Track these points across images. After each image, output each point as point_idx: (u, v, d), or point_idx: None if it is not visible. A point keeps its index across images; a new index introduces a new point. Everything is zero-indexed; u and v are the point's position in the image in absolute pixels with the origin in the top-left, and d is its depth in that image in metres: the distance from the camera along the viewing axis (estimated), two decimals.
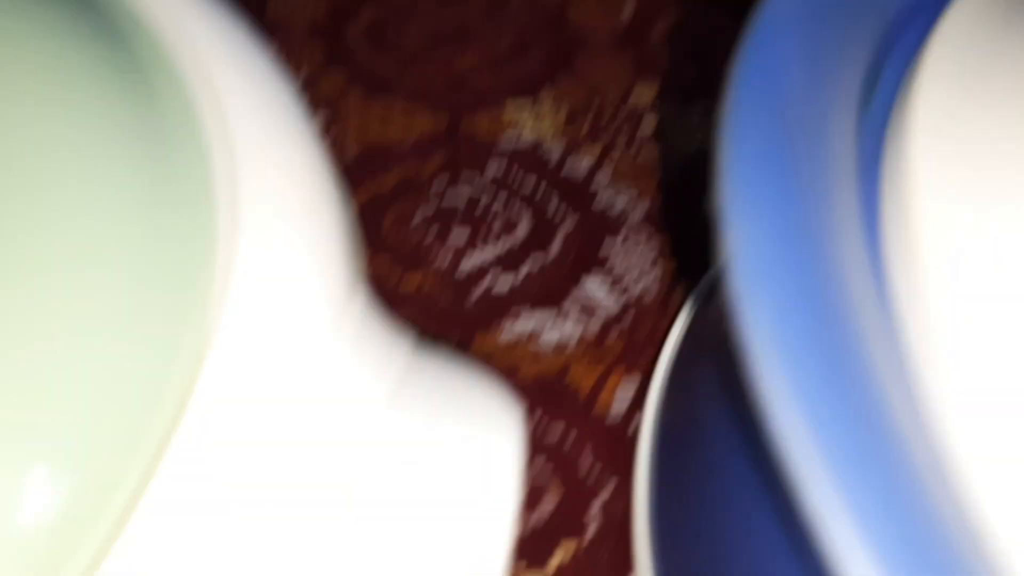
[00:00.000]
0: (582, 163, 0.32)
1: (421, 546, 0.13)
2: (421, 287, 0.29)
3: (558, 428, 0.26)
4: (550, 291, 0.29)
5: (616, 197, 0.31)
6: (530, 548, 0.24)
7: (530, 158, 0.32)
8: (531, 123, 0.33)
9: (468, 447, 0.14)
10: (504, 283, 0.29)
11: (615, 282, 0.30)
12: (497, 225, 0.30)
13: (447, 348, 0.26)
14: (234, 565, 0.12)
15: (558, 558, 0.24)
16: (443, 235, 0.30)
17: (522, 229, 0.30)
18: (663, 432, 0.26)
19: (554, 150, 0.32)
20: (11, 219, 0.12)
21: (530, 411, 0.27)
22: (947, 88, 0.14)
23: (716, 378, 0.21)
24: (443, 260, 0.29)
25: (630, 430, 0.26)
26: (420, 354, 0.16)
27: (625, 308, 0.29)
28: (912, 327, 0.13)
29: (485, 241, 0.30)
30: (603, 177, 0.32)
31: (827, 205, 0.13)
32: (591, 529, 0.25)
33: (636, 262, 0.30)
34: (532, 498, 0.25)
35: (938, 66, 0.15)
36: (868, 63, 0.15)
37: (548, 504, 0.25)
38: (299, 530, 0.13)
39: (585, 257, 0.30)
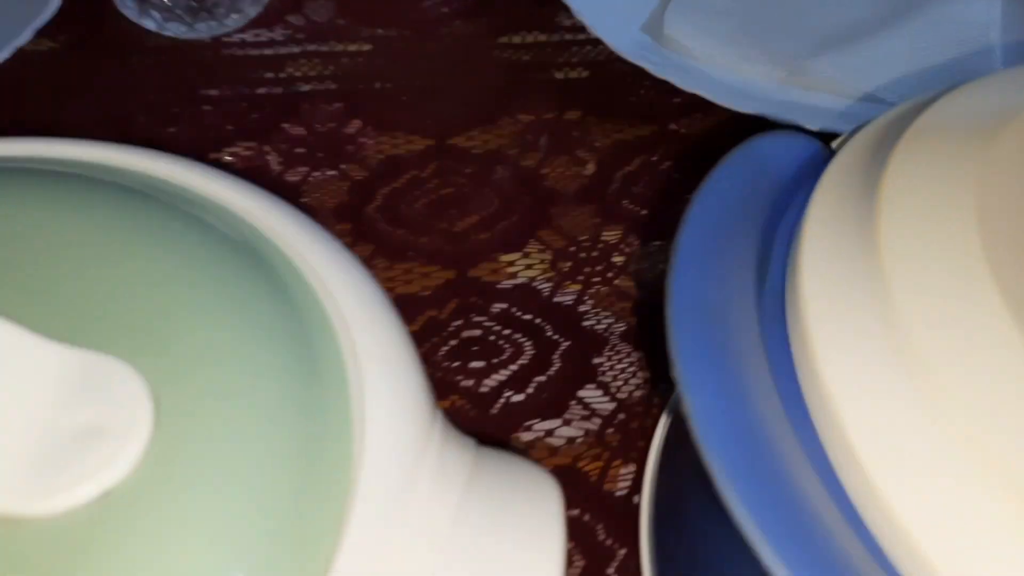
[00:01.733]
0: (568, 295, 0.39)
1: (496, 556, 0.19)
2: (453, 404, 0.36)
3: (576, 509, 0.33)
4: (556, 399, 0.36)
5: (600, 319, 0.39)
6: None
7: (526, 295, 0.39)
8: (523, 267, 0.41)
9: (530, 514, 0.20)
10: (518, 397, 0.36)
11: (606, 388, 0.37)
12: (507, 351, 0.38)
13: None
14: None
15: None
16: (464, 363, 0.37)
17: (526, 354, 0.38)
18: (658, 505, 0.33)
19: (544, 287, 0.40)
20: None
21: None
22: (819, 265, 0.22)
23: (694, 463, 0.28)
24: (468, 383, 0.36)
25: (633, 505, 0.33)
26: (482, 453, 0.23)
27: (617, 409, 0.36)
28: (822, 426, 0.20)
29: (499, 366, 0.37)
30: (587, 305, 0.39)
31: (743, 366, 0.20)
32: None
33: (622, 371, 0.37)
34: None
35: (812, 244, 0.22)
36: (759, 251, 0.23)
37: (575, 570, 0.31)
38: None
39: (580, 370, 0.37)
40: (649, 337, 0.38)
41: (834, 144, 0.27)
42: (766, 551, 0.18)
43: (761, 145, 0.26)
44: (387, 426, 0.20)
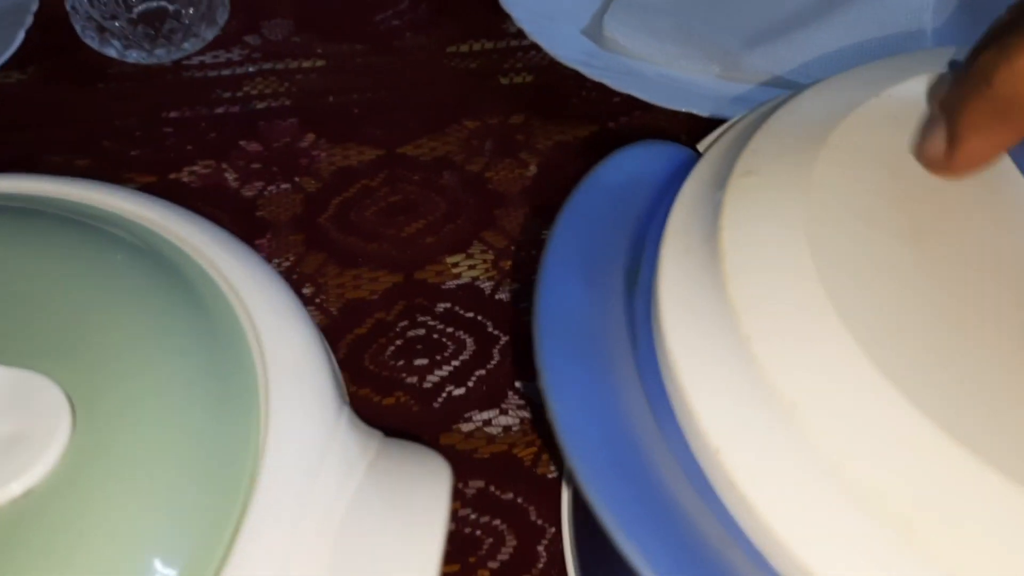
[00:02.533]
0: (509, 292, 0.42)
1: (384, 540, 0.21)
2: (398, 400, 0.38)
3: (510, 492, 0.35)
4: (494, 391, 0.38)
5: None
6: None
7: (469, 294, 0.42)
8: (467, 268, 0.43)
9: (420, 494, 0.23)
10: (459, 391, 0.38)
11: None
12: (449, 348, 0.40)
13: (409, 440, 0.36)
14: None
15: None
16: (409, 361, 0.39)
17: (468, 350, 0.40)
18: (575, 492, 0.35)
19: (486, 285, 0.42)
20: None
21: (490, 479, 0.35)
22: (675, 278, 0.24)
23: None
24: (412, 379, 0.39)
25: (561, 489, 0.35)
26: (387, 442, 0.25)
27: None
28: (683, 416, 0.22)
29: (443, 362, 0.39)
30: (526, 301, 0.41)
31: (610, 371, 0.22)
32: (541, 562, 0.33)
33: None
34: (497, 541, 0.34)
35: (669, 253, 0.24)
36: (630, 257, 0.25)
37: (509, 548, 0.34)
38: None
39: (518, 363, 0.39)
40: None
41: (700, 146, 0.30)
42: (621, 540, 0.20)
43: (633, 154, 0.28)
44: (291, 423, 0.23)
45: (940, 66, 0.28)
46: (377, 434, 0.25)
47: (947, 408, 0.20)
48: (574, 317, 0.23)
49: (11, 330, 0.22)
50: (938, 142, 0.25)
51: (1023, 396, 0.21)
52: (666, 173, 0.28)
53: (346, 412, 0.25)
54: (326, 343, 0.27)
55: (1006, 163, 0.26)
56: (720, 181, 0.25)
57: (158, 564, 0.19)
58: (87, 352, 0.22)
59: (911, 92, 0.27)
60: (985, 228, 0.24)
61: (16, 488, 0.20)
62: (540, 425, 0.37)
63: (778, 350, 0.21)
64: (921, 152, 0.26)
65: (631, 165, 0.28)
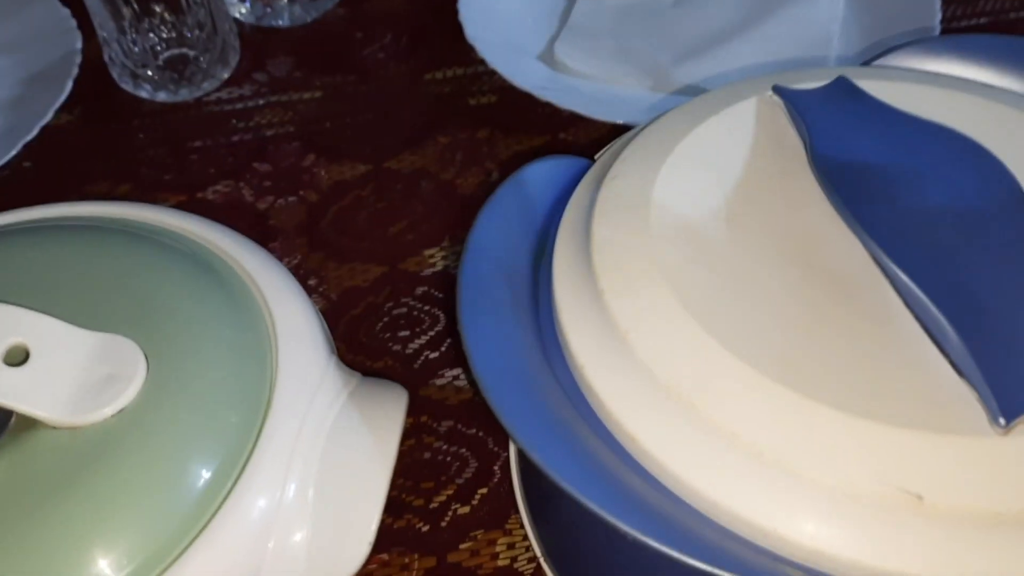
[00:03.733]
0: None
1: (359, 437, 0.32)
2: (386, 364, 0.48)
3: (473, 428, 0.45)
4: (461, 354, 0.48)
5: None
6: (463, 493, 0.43)
7: (441, 279, 0.52)
8: (440, 258, 0.53)
9: (384, 409, 0.33)
10: (434, 354, 0.49)
11: None
12: (426, 322, 0.50)
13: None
14: None
15: (479, 495, 0.43)
16: (394, 333, 0.50)
17: (441, 323, 0.50)
18: None
19: (456, 271, 0.52)
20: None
21: (457, 419, 0.46)
22: (564, 251, 0.34)
23: None
24: (397, 347, 0.49)
25: None
26: (364, 380, 0.35)
27: None
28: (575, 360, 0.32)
29: (421, 333, 0.50)
30: None
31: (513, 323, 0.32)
32: (495, 477, 0.43)
33: None
34: (462, 465, 0.44)
35: (563, 236, 0.34)
36: (533, 243, 0.35)
37: (471, 468, 0.44)
38: None
39: None
40: None
41: (596, 156, 0.40)
42: (514, 434, 0.30)
43: (540, 166, 0.38)
44: (294, 366, 0.33)
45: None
46: (357, 374, 0.35)
47: (739, 335, 0.30)
48: (488, 286, 0.33)
49: (104, 308, 0.32)
50: None
51: (802, 326, 0.30)
52: (566, 179, 0.38)
53: (334, 359, 0.35)
54: (320, 314, 0.37)
55: (800, 159, 0.35)
56: (598, 183, 0.36)
57: (203, 452, 0.30)
58: (154, 321, 0.32)
59: (741, 112, 0.37)
60: (783, 209, 0.34)
61: (110, 410, 0.30)
62: None
63: (621, 298, 0.31)
64: None
65: (539, 174, 0.38)
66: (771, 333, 0.30)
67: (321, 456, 0.31)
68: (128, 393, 0.30)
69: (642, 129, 0.38)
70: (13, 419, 0.30)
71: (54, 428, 0.30)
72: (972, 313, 0.29)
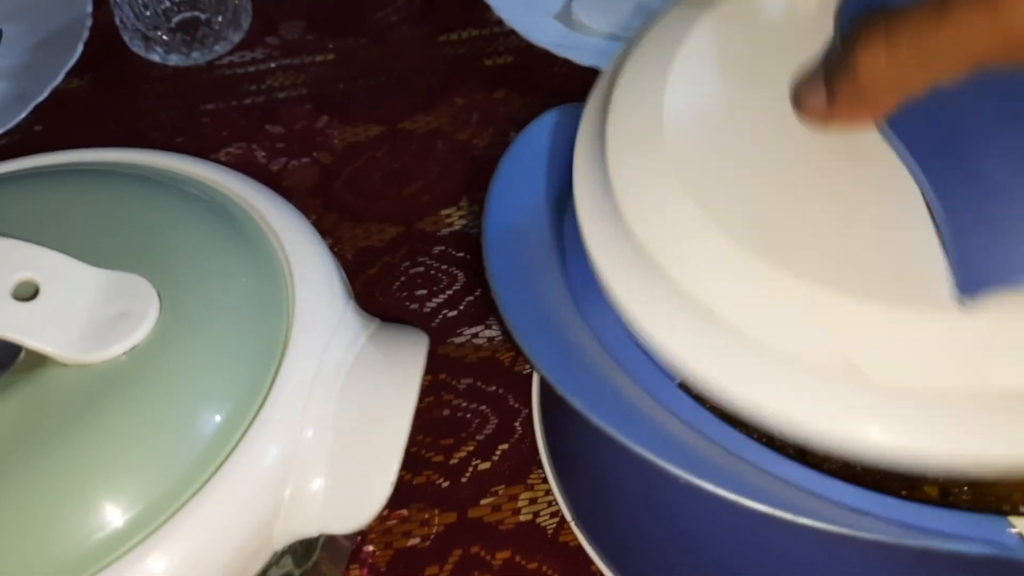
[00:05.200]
0: None
1: (379, 378, 0.31)
2: (404, 323, 0.47)
3: (493, 385, 0.45)
4: (480, 312, 0.47)
5: None
6: (484, 449, 0.42)
7: (459, 238, 0.51)
8: (458, 218, 0.52)
9: (405, 352, 0.32)
10: (452, 313, 0.48)
11: None
12: (444, 281, 0.49)
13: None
14: None
15: (501, 450, 0.42)
16: (411, 292, 0.49)
17: (459, 281, 0.49)
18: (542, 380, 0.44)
19: (474, 231, 0.51)
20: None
21: (477, 376, 0.45)
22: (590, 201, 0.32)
23: None
24: (415, 306, 0.48)
25: (532, 379, 0.44)
26: (384, 324, 0.34)
27: None
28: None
29: (438, 292, 0.49)
30: None
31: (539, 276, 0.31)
32: (516, 434, 0.42)
33: None
34: (482, 422, 0.43)
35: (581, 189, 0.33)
36: (555, 191, 0.34)
37: (492, 424, 0.43)
38: None
39: None
40: None
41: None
42: (551, 379, 0.29)
43: (554, 116, 0.37)
44: (311, 308, 0.32)
45: None
46: (376, 319, 0.34)
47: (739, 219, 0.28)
48: (513, 238, 0.32)
49: (117, 248, 0.31)
50: (818, 100, 0.29)
51: (806, 199, 0.29)
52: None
53: (351, 304, 0.34)
54: (337, 261, 0.36)
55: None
56: (605, 102, 0.34)
57: (216, 393, 0.29)
58: (170, 261, 0.31)
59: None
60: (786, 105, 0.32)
61: (121, 348, 0.29)
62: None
63: (643, 220, 0.30)
64: (801, 104, 0.30)
65: (553, 123, 0.37)
66: (775, 212, 0.29)
67: (339, 400, 0.30)
68: (140, 331, 0.29)
69: (642, 36, 0.36)
70: (22, 355, 0.30)
71: (64, 365, 0.29)
72: (963, 185, 0.27)
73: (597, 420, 0.27)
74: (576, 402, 0.28)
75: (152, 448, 0.28)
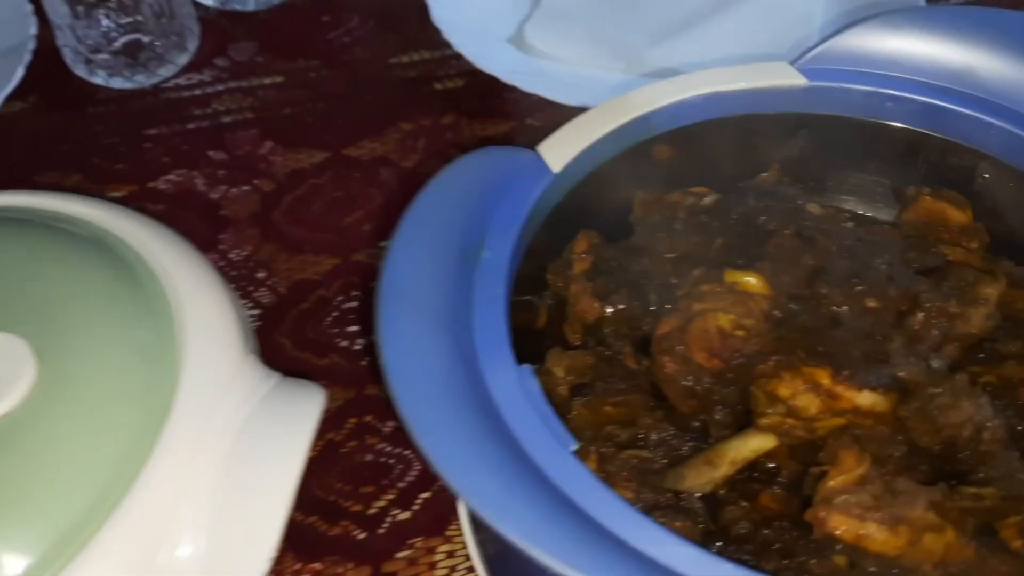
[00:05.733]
0: None
1: (268, 440, 0.30)
2: (332, 361, 0.46)
3: None
4: None
5: None
6: (404, 498, 0.41)
7: None
8: None
9: (297, 416, 0.31)
10: None
11: None
12: None
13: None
14: None
15: (422, 499, 0.41)
16: (343, 329, 0.48)
17: None
18: None
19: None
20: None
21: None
22: None
23: None
24: (345, 343, 0.47)
25: None
26: (284, 379, 0.33)
27: None
28: None
29: (370, 329, 0.48)
30: None
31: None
32: (439, 481, 0.41)
33: None
34: (405, 468, 0.42)
35: None
36: (466, 241, 0.33)
37: (415, 471, 0.42)
38: None
39: None
40: None
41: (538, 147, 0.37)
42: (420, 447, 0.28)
43: (475, 157, 0.36)
44: (201, 365, 0.31)
45: None
46: (276, 375, 0.33)
47: None
48: (412, 286, 0.31)
49: None
50: None
51: None
52: (505, 173, 0.36)
53: (250, 358, 0.33)
54: (240, 311, 0.35)
55: None
56: None
57: (94, 457, 0.28)
58: (49, 317, 0.30)
59: None
60: None
61: None
62: None
63: None
64: None
65: (474, 167, 0.35)
66: None
67: (225, 462, 0.29)
68: (14, 395, 0.28)
69: None
70: None
71: None
72: None
73: (486, 518, 0.26)
74: (470, 502, 0.27)
75: (22, 516, 0.27)
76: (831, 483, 0.28)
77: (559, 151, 0.38)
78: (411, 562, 0.39)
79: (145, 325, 0.31)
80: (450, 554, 0.39)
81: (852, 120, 0.40)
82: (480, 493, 0.26)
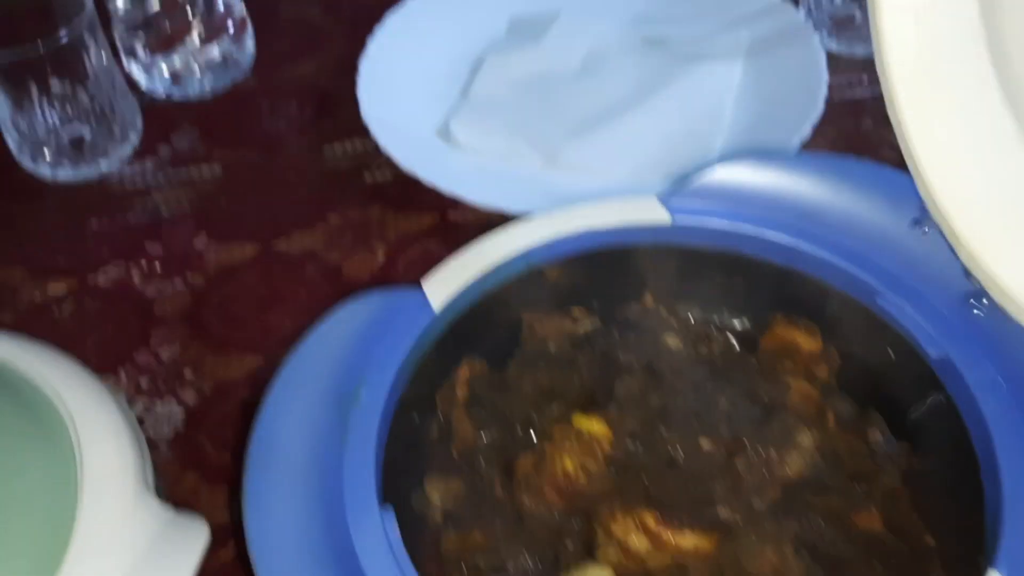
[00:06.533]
0: None
1: None
2: None
3: None
4: None
5: None
6: None
7: None
8: None
9: (184, 549, 0.35)
10: None
11: None
12: None
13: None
14: None
15: None
16: None
17: None
18: None
19: None
20: None
21: None
22: None
23: None
24: None
25: None
26: (174, 517, 0.37)
27: None
28: None
29: None
30: None
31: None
32: None
33: None
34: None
35: None
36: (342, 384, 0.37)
37: None
38: None
39: None
40: None
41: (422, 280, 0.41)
42: None
43: (359, 302, 0.40)
44: (98, 507, 0.35)
45: None
46: (170, 509, 0.37)
47: None
48: (282, 441, 0.35)
49: None
50: None
51: None
52: (386, 316, 0.40)
53: (147, 494, 0.37)
54: (142, 444, 0.39)
55: None
56: None
57: None
58: None
59: None
60: None
61: None
62: None
63: None
64: None
65: (355, 312, 0.40)
66: None
67: None
68: None
69: None
70: None
71: None
72: None
73: None
74: None
75: None
76: None
77: (441, 288, 0.42)
78: None
79: (41, 467, 0.35)
80: None
81: (714, 253, 0.44)
82: None
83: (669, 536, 0.34)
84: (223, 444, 0.51)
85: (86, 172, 0.63)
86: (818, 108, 0.60)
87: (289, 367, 0.38)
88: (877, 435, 0.39)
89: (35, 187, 0.64)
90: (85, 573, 0.34)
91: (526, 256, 0.43)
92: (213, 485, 0.49)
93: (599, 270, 0.45)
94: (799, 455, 0.36)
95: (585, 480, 0.36)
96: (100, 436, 0.37)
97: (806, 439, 0.36)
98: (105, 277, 0.59)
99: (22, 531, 0.34)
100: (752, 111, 0.64)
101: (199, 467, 0.50)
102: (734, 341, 0.43)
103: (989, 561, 0.32)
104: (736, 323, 0.45)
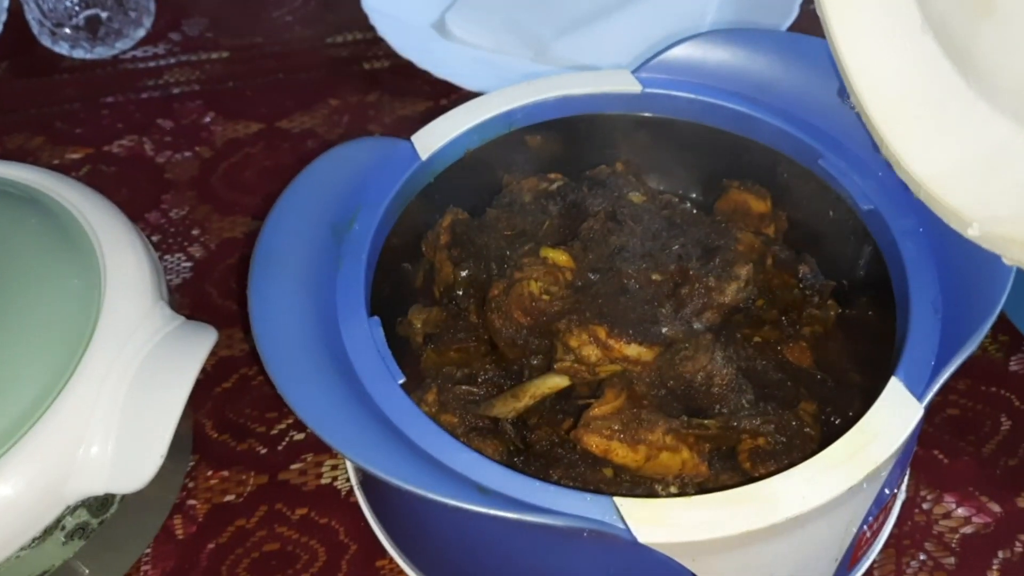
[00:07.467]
0: None
1: (168, 363, 0.40)
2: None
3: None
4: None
5: None
6: (300, 423, 0.51)
7: None
8: None
9: (191, 348, 0.41)
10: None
11: None
12: None
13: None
14: None
15: None
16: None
17: None
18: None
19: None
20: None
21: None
22: None
23: None
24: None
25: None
26: (183, 323, 0.43)
27: None
28: None
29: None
30: None
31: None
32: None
33: None
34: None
35: None
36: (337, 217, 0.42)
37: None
38: None
39: None
40: None
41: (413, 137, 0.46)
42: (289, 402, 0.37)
43: (349, 147, 0.45)
44: (119, 306, 0.41)
45: None
46: (180, 318, 0.43)
47: None
48: (283, 253, 0.41)
49: None
50: None
51: None
52: (378, 159, 0.45)
53: (160, 304, 0.43)
54: (156, 265, 0.45)
55: None
56: None
57: (29, 373, 0.38)
58: None
59: None
60: None
61: None
62: None
63: None
64: None
65: (350, 153, 0.45)
66: None
67: (130, 385, 0.39)
68: None
69: None
70: None
71: None
72: None
73: (324, 439, 0.35)
74: (312, 428, 0.36)
75: None
76: (593, 411, 0.38)
77: (429, 140, 0.47)
78: (302, 472, 0.49)
79: (71, 272, 0.41)
80: (334, 467, 0.49)
81: (679, 122, 0.49)
82: (320, 420, 0.36)
83: (617, 345, 0.39)
84: (228, 293, 0.57)
85: (101, 51, 0.68)
86: None
87: (291, 191, 0.43)
88: (806, 269, 0.44)
89: (54, 64, 0.69)
90: (109, 351, 0.39)
91: (508, 115, 0.48)
92: (220, 329, 0.54)
93: (574, 136, 0.50)
94: (736, 285, 0.41)
95: (548, 302, 0.41)
96: (121, 250, 0.43)
97: (743, 271, 0.41)
98: (120, 147, 0.64)
99: (54, 323, 0.39)
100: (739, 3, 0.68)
101: (207, 311, 0.55)
102: (692, 207, 0.48)
103: (892, 370, 0.38)
104: (695, 193, 0.50)
